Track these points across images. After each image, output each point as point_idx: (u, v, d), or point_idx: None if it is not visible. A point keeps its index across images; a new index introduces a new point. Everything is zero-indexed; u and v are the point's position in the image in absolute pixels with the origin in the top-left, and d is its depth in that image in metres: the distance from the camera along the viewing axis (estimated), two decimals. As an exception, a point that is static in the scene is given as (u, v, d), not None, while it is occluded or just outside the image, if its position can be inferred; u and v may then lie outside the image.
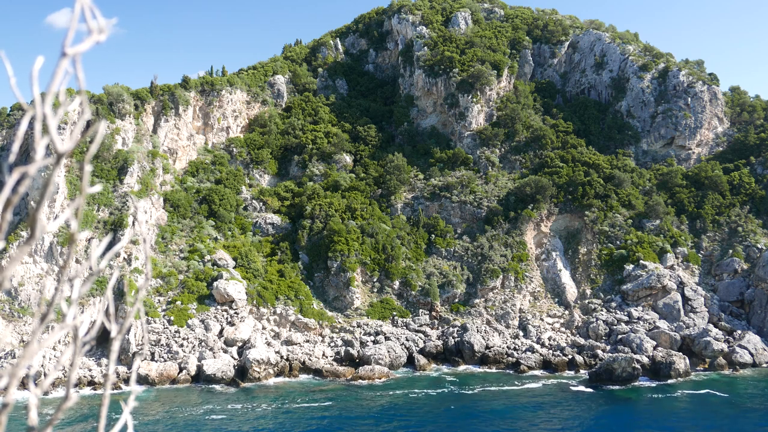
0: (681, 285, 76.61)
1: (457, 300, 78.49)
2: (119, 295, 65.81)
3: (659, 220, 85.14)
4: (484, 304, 77.57)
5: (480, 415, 52.11)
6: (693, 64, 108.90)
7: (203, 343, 65.38)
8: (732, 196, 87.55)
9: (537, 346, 70.02)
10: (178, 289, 71.81)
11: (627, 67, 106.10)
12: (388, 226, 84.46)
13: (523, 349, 70.31)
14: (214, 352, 64.26)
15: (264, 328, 70.90)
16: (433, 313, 76.63)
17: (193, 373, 61.86)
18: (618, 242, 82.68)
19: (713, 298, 76.52)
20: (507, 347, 70.67)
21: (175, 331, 66.30)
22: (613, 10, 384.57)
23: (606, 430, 49.58)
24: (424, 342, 71.60)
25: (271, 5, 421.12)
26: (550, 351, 69.63)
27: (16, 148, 2.00)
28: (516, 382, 62.41)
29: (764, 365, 67.40)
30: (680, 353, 66.24)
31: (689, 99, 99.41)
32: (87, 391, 58.55)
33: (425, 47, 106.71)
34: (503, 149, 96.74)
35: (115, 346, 2.20)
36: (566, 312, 77.41)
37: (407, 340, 71.15)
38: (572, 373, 66.05)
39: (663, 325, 71.89)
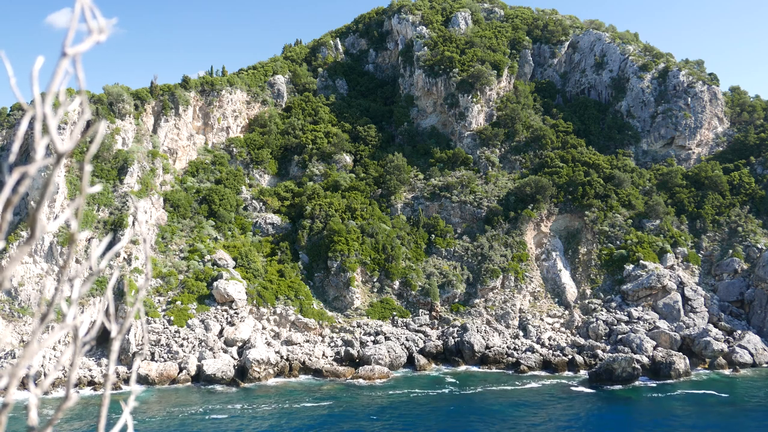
0: (681, 285, 76.61)
1: (457, 300, 78.50)
2: (119, 295, 65.81)
3: (659, 220, 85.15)
4: (484, 304, 77.57)
5: (480, 415, 52.11)
6: (693, 64, 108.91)
7: (203, 343, 65.39)
8: (732, 196, 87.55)
9: (537, 346, 70.01)
10: (178, 289, 71.82)
11: (627, 67, 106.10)
12: (388, 226, 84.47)
13: (523, 349, 70.30)
14: (214, 352, 64.26)
15: (264, 328, 70.90)
16: (433, 313, 76.63)
17: (193, 373, 61.86)
18: (618, 242, 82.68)
19: (713, 298, 76.52)
20: (507, 347, 70.66)
21: (175, 331, 66.30)
22: (613, 10, 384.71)
23: (606, 430, 49.58)
24: (424, 342, 71.60)
25: (271, 5, 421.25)
26: (550, 351, 69.63)
27: (16, 148, 2.00)
28: (516, 382, 62.40)
29: (764, 365, 67.41)
30: (680, 353, 66.24)
31: (689, 99, 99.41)
32: (87, 391, 58.56)
33: (425, 47, 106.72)
34: (503, 149, 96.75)
35: (115, 346, 2.20)
36: (566, 312, 77.42)
37: (407, 340, 71.15)
38: (572, 373, 66.04)
39: (663, 325, 71.89)
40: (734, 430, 49.03)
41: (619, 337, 70.59)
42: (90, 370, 61.22)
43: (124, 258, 69.51)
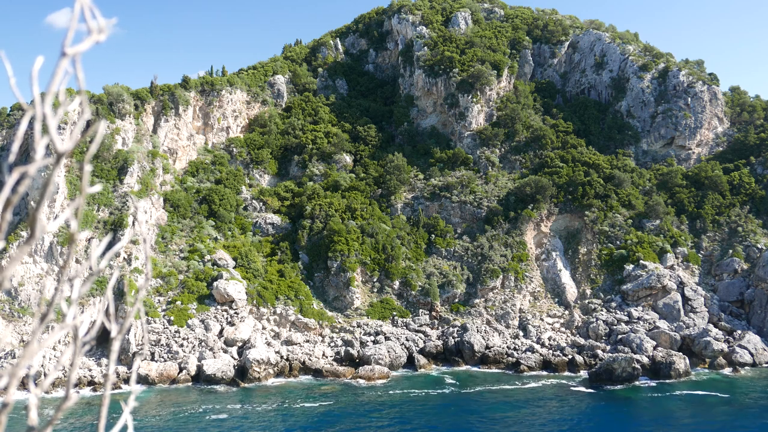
0: (681, 285, 76.61)
1: (457, 300, 78.49)
2: (119, 295, 65.81)
3: (659, 220, 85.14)
4: (484, 304, 77.56)
5: (480, 415, 52.10)
6: (693, 64, 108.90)
7: (203, 343, 65.38)
8: (732, 196, 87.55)
9: (537, 346, 70.01)
10: (178, 289, 71.82)
11: (627, 67, 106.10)
12: (388, 226, 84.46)
13: (523, 349, 70.30)
14: (214, 352, 64.26)
15: (264, 328, 70.90)
16: (433, 313, 76.63)
17: (193, 373, 61.86)
18: (618, 242, 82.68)
19: (713, 298, 76.52)
20: (507, 347, 70.65)
21: (175, 331, 66.29)
22: (613, 10, 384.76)
23: (606, 430, 49.59)
24: (424, 342, 71.59)
25: (271, 5, 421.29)
26: (550, 351, 69.62)
27: (16, 148, 2.00)
28: (516, 382, 62.40)
29: (764, 365, 67.41)
30: (680, 353, 66.24)
31: (689, 99, 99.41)
32: (87, 391, 58.56)
33: (425, 47, 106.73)
34: (503, 149, 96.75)
35: (115, 346, 2.20)
36: (566, 312, 77.42)
37: (407, 340, 71.14)
38: (572, 373, 66.03)
39: (663, 325, 71.89)
40: (734, 430, 49.03)
41: (619, 337, 70.59)
42: (90, 370, 61.22)
43: (124, 258, 69.50)
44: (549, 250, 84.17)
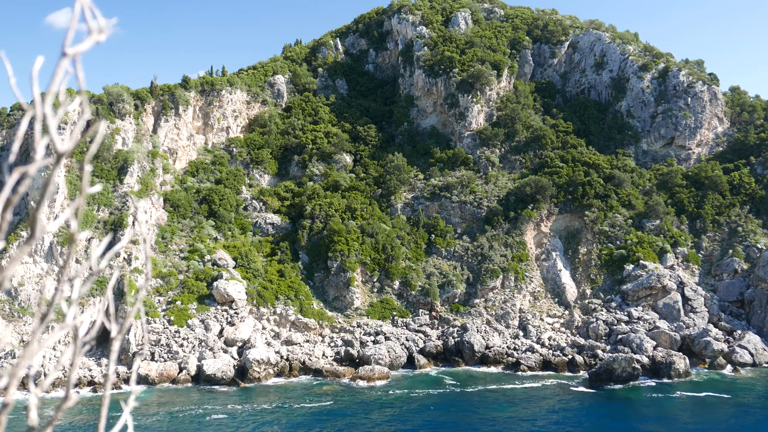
0: (681, 285, 76.61)
1: (457, 300, 78.49)
2: (119, 295, 65.82)
3: (659, 220, 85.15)
4: (484, 304, 77.56)
5: (480, 415, 52.10)
6: (693, 64, 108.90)
7: (203, 343, 65.38)
8: (732, 196, 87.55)
9: (537, 346, 70.01)
10: (178, 289, 71.82)
11: (627, 67, 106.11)
12: (388, 226, 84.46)
13: (523, 349, 70.30)
14: (214, 352, 64.26)
15: (264, 328, 70.90)
16: (433, 313, 76.63)
17: (193, 373, 61.86)
18: (618, 242, 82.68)
19: (713, 298, 76.51)
20: (507, 347, 70.65)
21: (175, 331, 66.29)
22: (613, 10, 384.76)
23: (606, 430, 49.59)
24: (424, 342, 71.59)
25: (271, 5, 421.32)
26: (550, 351, 69.62)
27: (16, 148, 2.00)
28: (516, 382, 62.40)
29: (764, 365, 67.41)
30: (680, 353, 66.24)
31: (689, 99, 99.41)
32: (87, 391, 58.56)
33: (425, 47, 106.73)
34: (503, 149, 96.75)
35: (115, 346, 2.20)
36: (566, 312, 77.42)
37: (407, 340, 71.14)
38: (572, 373, 66.04)
39: (663, 325, 71.89)
40: (734, 430, 49.03)
41: (619, 337, 70.59)
42: (90, 370, 61.22)
43: (124, 258, 69.50)
44: (549, 250, 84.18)
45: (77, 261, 64.51)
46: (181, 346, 64.73)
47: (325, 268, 78.74)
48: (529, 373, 65.83)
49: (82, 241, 68.95)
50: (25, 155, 69.22)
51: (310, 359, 66.17)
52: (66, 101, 1.85)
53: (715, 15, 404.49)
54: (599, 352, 68.31)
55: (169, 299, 70.50)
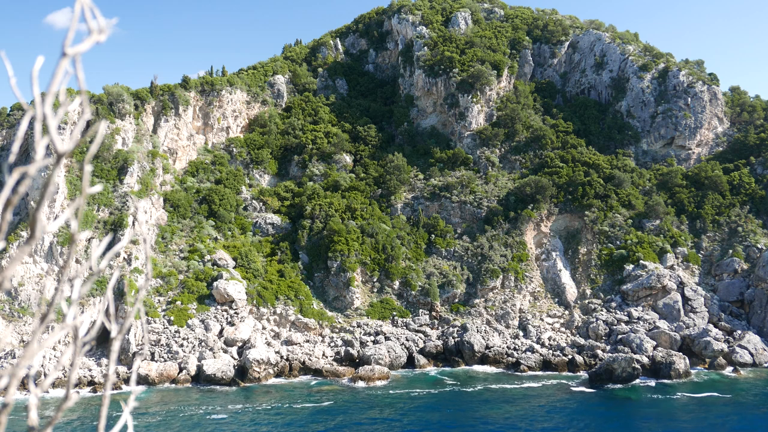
0: (681, 285, 76.60)
1: (457, 300, 78.50)
2: (119, 295, 65.81)
3: (659, 220, 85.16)
4: (484, 304, 77.57)
5: (480, 415, 52.10)
6: (693, 64, 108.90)
7: (203, 343, 65.38)
8: (732, 196, 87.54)
9: (537, 346, 70.01)
10: (178, 289, 71.82)
11: (627, 67, 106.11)
12: (388, 226, 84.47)
13: (523, 349, 70.30)
14: (214, 352, 64.26)
15: (264, 328, 70.90)
16: (433, 313, 76.63)
17: (193, 373, 61.85)
18: (618, 242, 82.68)
19: (713, 298, 76.51)
20: (507, 347, 70.66)
21: (175, 331, 66.29)
22: (613, 10, 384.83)
23: (606, 430, 49.59)
24: (424, 342, 71.60)
25: (271, 5, 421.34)
26: (550, 351, 69.63)
27: (16, 148, 2.00)
28: (516, 382, 62.40)
29: (764, 365, 67.41)
30: (680, 353, 66.23)
31: (689, 99, 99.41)
32: (87, 391, 58.55)
33: (425, 47, 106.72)
34: (503, 149, 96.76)
35: (115, 346, 2.20)
36: (566, 312, 77.42)
37: (407, 340, 71.15)
38: (572, 373, 66.04)
39: (663, 325, 71.89)
40: (734, 430, 49.03)
41: (619, 337, 70.59)
42: (90, 370, 61.22)
43: (124, 258, 69.50)
44: (549, 250, 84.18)
45: (77, 261, 64.52)
46: (181, 346, 64.73)
47: (325, 268, 78.75)
48: (529, 373, 65.83)
49: (82, 241, 68.95)
50: (25, 155, 69.23)
51: (310, 359, 66.17)
52: (66, 101, 1.85)
53: (715, 15, 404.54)
54: (599, 352, 68.31)
55: (169, 299, 70.50)
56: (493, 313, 76.46)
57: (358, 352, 67.74)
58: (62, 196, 70.54)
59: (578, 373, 65.48)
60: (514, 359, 68.46)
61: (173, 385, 60.42)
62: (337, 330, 72.90)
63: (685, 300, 75.03)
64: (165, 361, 62.66)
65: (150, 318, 67.48)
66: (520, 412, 52.90)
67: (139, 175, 79.43)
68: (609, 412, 53.50)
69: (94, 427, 47.61)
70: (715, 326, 72.55)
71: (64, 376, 55.71)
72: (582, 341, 71.05)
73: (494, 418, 51.43)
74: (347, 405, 54.87)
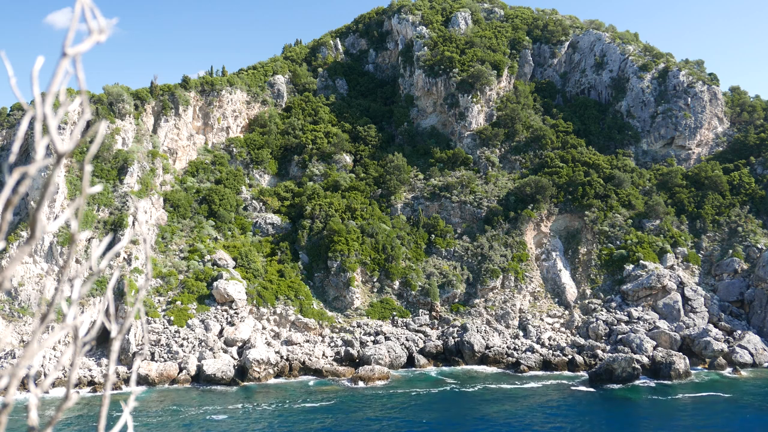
0: (681, 285, 76.60)
1: (457, 300, 78.49)
2: (119, 295, 65.81)
3: (659, 220, 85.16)
4: (484, 304, 77.57)
5: (480, 415, 52.10)
6: (693, 64, 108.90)
7: (203, 343, 65.38)
8: (732, 196, 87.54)
9: (537, 346, 70.01)
10: (178, 289, 71.82)
11: (627, 67, 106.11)
12: (388, 226, 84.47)
13: (523, 349, 70.31)
14: (214, 352, 64.26)
15: (264, 328, 70.90)
16: (433, 313, 76.63)
17: (193, 373, 61.85)
18: (618, 242, 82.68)
19: (713, 298, 76.50)
20: (507, 347, 70.66)
21: (175, 331, 66.29)
22: (613, 10, 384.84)
23: (606, 430, 49.59)
24: (424, 342, 71.60)
25: (271, 5, 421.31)
26: (550, 351, 69.62)
27: (16, 148, 2.00)
28: (516, 382, 62.40)
29: (764, 365, 67.39)
30: (680, 353, 66.23)
31: (689, 99, 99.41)
32: (87, 391, 58.55)
33: (425, 47, 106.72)
34: (503, 149, 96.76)
35: (115, 346, 2.20)
36: (566, 312, 77.42)
37: (407, 340, 71.15)
38: (572, 373, 66.03)
39: (663, 325, 71.89)
40: (734, 430, 49.03)
41: (619, 337, 70.59)
42: (90, 370, 61.22)
43: (124, 258, 69.50)
44: (549, 250, 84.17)
45: (77, 261, 64.52)
46: (181, 346, 64.73)
47: (325, 268, 78.75)
48: (529, 373, 65.83)
49: (82, 241, 68.94)
50: (26, 155, 69.23)
51: (310, 359, 66.17)
52: (66, 101, 1.85)
53: (715, 15, 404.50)
54: (599, 352, 68.31)
55: (169, 299, 70.50)
56: (493, 313, 76.46)
57: (358, 352, 67.74)
58: (62, 196, 70.54)
59: (578, 373, 65.47)
60: (514, 359, 68.46)
61: (173, 385, 60.42)
62: (337, 330, 72.90)
63: (685, 300, 75.03)
64: (165, 361, 62.66)
65: (150, 318, 67.48)
66: (520, 412, 52.90)
67: (139, 175, 79.42)
68: (609, 412, 53.51)
69: (94, 427, 47.62)
70: (715, 326, 72.55)
71: (64, 376, 55.72)
72: (582, 341, 71.05)
73: (494, 418, 51.43)
74: (347, 405, 54.87)
